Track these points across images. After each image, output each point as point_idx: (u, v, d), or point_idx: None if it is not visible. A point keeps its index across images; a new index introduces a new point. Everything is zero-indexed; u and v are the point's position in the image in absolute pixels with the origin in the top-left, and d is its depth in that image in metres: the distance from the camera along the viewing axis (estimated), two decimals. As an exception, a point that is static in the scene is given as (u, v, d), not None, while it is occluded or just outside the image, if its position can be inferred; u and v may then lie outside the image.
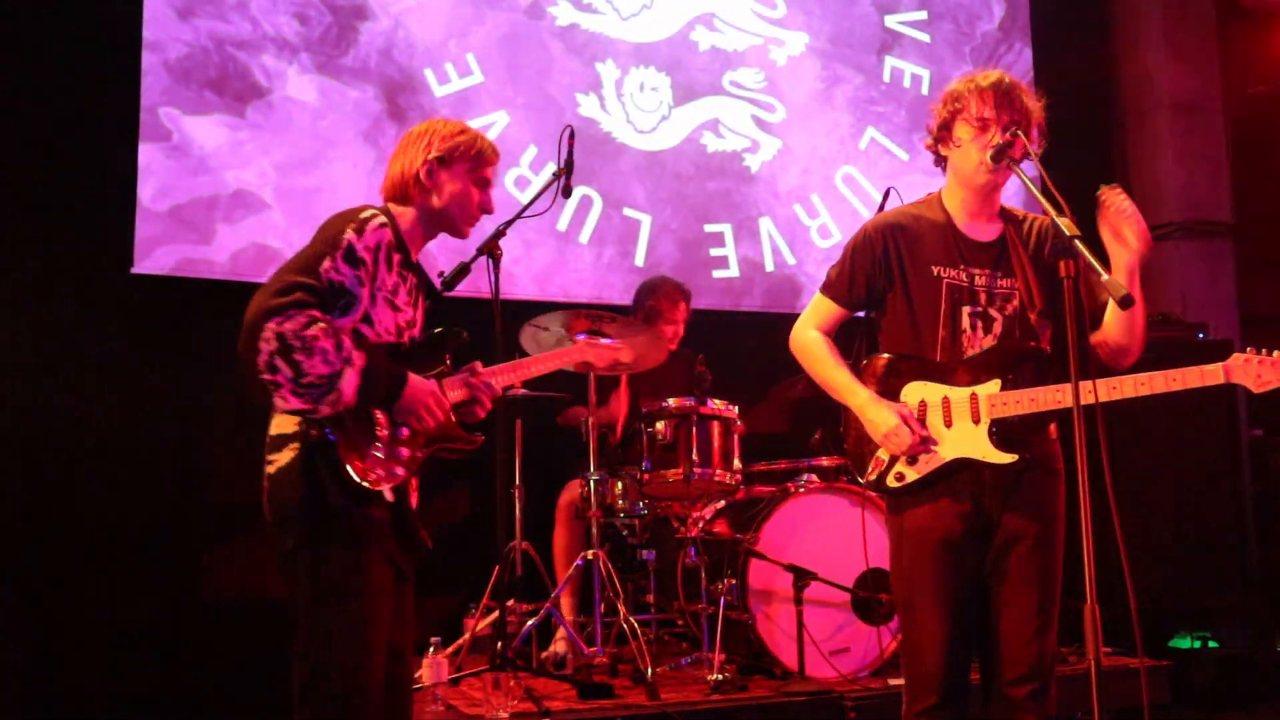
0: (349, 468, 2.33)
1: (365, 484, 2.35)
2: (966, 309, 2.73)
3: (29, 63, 4.74)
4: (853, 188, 6.22)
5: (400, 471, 2.45)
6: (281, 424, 2.37)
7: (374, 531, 2.40)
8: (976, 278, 2.74)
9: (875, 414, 2.71)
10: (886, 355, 2.80)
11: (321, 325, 2.27)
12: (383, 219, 2.47)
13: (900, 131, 6.33)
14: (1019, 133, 2.66)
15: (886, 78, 6.39)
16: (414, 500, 2.56)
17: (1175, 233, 6.51)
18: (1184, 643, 5.02)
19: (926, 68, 6.45)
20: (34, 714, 4.47)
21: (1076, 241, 2.37)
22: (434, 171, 2.57)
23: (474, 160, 2.61)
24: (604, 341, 3.26)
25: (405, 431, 2.47)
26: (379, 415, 2.43)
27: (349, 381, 2.29)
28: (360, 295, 2.38)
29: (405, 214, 2.58)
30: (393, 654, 2.48)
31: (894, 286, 2.79)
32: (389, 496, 2.41)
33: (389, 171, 2.61)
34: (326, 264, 2.34)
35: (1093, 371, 2.42)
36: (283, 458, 2.36)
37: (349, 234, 2.38)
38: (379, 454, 2.40)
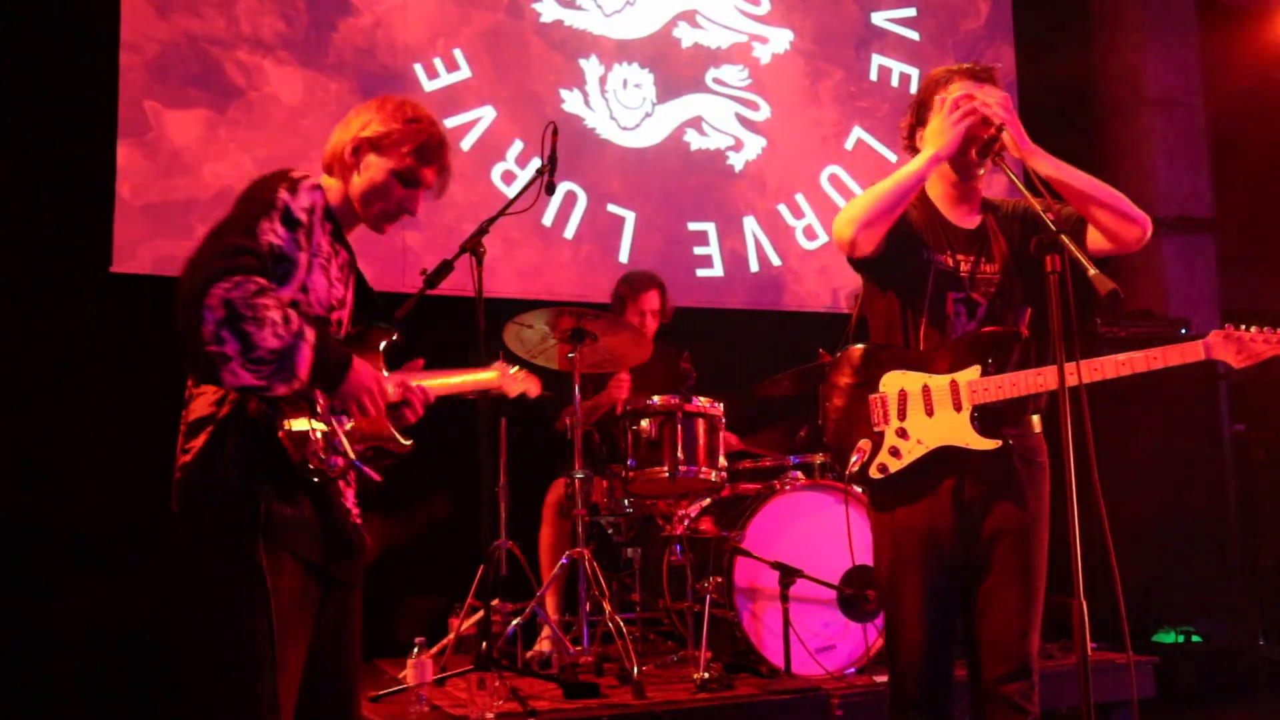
0: (290, 450, 2.09)
1: (310, 468, 2.11)
2: (951, 294, 2.73)
3: (4, 60, 4.69)
4: (838, 187, 6.22)
5: (338, 462, 2.19)
6: (199, 408, 2.12)
7: (293, 532, 2.13)
8: (962, 263, 2.74)
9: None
10: (862, 345, 2.80)
11: (271, 294, 2.03)
12: (315, 181, 2.25)
13: (888, 130, 6.32)
14: (1004, 125, 2.66)
15: (873, 75, 6.39)
16: (349, 499, 2.30)
17: (1157, 228, 6.51)
18: (1168, 637, 5.04)
19: (915, 65, 6.45)
20: (27, 715, 4.44)
21: (1063, 236, 2.38)
22: (361, 151, 2.32)
23: (413, 153, 2.32)
24: (512, 371, 3.05)
25: (345, 420, 2.23)
26: (320, 398, 2.17)
27: (304, 358, 2.05)
28: (298, 260, 2.14)
29: (333, 189, 2.35)
30: (325, 674, 2.21)
31: (895, 263, 2.76)
32: (329, 481, 2.19)
33: (329, 140, 2.38)
34: (264, 225, 2.09)
35: (1076, 354, 2.41)
36: (200, 443, 2.09)
37: (283, 193, 2.14)
38: (319, 438, 2.14)
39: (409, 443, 2.40)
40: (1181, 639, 5.04)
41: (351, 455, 2.21)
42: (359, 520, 2.31)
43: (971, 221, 2.80)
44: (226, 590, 2.07)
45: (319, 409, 2.16)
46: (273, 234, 2.10)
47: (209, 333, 1.96)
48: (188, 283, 1.99)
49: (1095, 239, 2.70)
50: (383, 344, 2.39)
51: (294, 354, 2.03)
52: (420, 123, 2.34)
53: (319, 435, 2.14)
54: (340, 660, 2.26)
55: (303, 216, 2.16)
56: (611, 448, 4.60)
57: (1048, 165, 2.66)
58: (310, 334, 2.07)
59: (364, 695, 2.36)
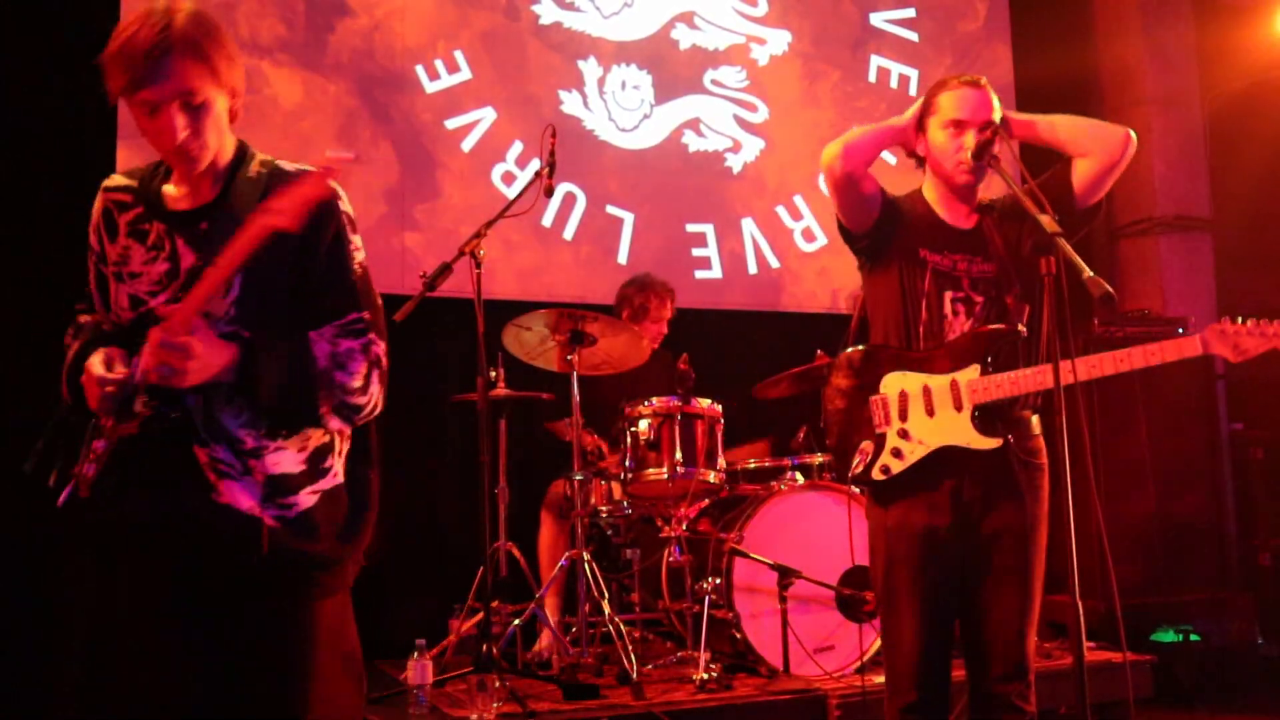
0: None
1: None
2: (949, 294, 2.75)
3: (5, 59, 4.70)
4: (835, 186, 6.22)
5: (90, 470, 1.95)
6: None
7: (122, 539, 1.97)
8: (958, 263, 2.77)
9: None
10: (862, 347, 2.82)
11: (71, 334, 2.09)
12: (108, 183, 2.14)
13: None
14: (999, 131, 2.70)
15: (872, 77, 6.40)
16: (239, 499, 1.95)
17: (1154, 228, 6.55)
18: (1166, 637, 5.05)
19: (913, 66, 6.46)
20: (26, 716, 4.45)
21: (1058, 239, 2.39)
22: (116, 100, 2.01)
23: (121, 80, 1.96)
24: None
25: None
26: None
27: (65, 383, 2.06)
28: (89, 282, 2.13)
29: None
30: (238, 690, 1.94)
31: (889, 256, 2.80)
32: (82, 491, 1.96)
33: None
34: (90, 260, 2.14)
35: (1073, 352, 2.44)
36: None
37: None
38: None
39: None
40: (1180, 638, 5.05)
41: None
42: (263, 519, 1.94)
43: (968, 221, 2.82)
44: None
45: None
46: (90, 268, 2.13)
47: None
48: None
49: (1082, 168, 2.75)
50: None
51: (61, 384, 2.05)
52: (115, 39, 1.98)
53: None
54: (254, 675, 1.96)
55: (91, 239, 2.13)
56: (613, 447, 4.62)
57: (1018, 118, 2.82)
58: (68, 356, 2.06)
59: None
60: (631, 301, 4.98)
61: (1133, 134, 2.75)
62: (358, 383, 2.02)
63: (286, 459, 1.99)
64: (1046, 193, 2.53)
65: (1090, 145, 2.74)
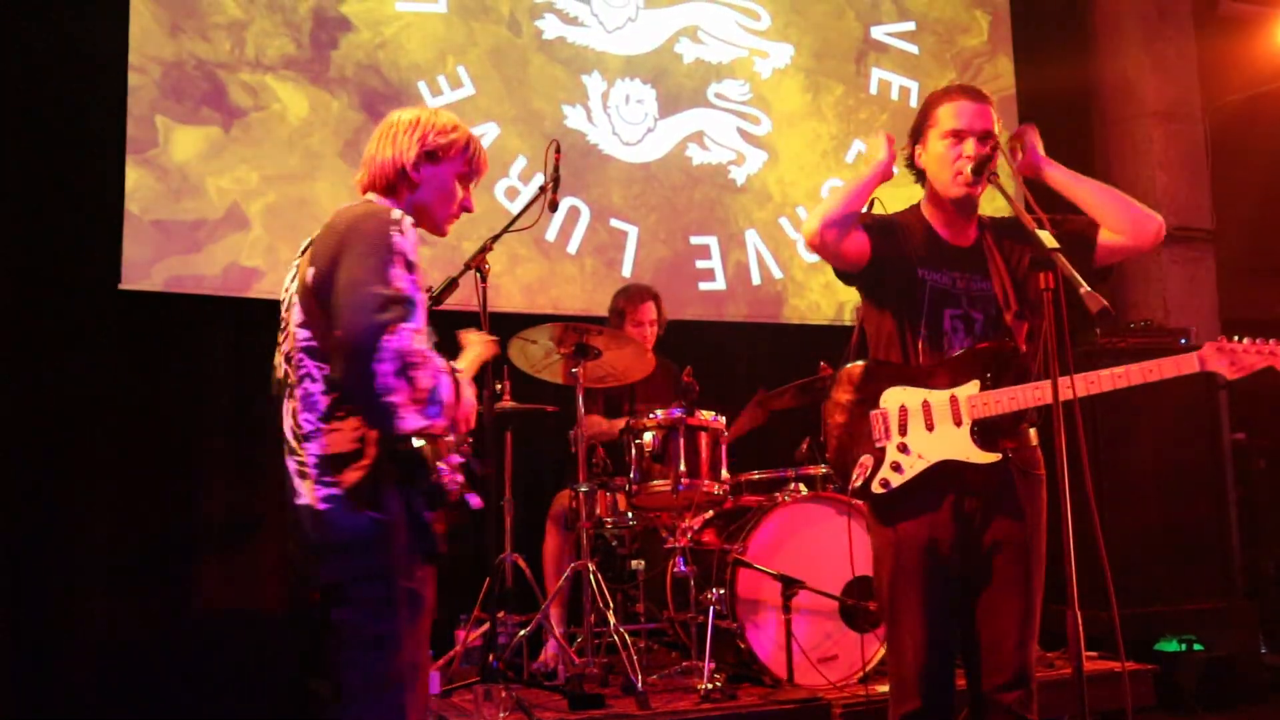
0: (441, 480, 2.28)
1: (450, 493, 2.30)
2: (948, 311, 2.77)
3: (15, 78, 4.75)
4: (838, 198, 6.24)
5: (459, 480, 2.34)
6: (339, 444, 2.25)
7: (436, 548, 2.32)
8: (957, 281, 2.79)
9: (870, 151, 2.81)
10: (862, 362, 2.84)
11: (421, 336, 2.22)
12: (411, 220, 2.35)
13: (887, 143, 6.34)
14: (999, 145, 2.73)
15: (873, 89, 6.44)
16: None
17: (1157, 240, 6.55)
18: (1169, 646, 5.06)
19: (914, 79, 6.50)
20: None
21: (1056, 255, 2.42)
22: (421, 165, 2.47)
23: (464, 159, 2.53)
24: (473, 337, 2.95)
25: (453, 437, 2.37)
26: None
27: (447, 389, 2.23)
28: (418, 301, 2.25)
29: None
30: None
31: (886, 278, 2.83)
32: (475, 503, 2.35)
33: (373, 161, 2.48)
34: (394, 272, 2.21)
35: (1071, 368, 2.47)
36: (349, 477, 2.23)
37: (396, 238, 2.25)
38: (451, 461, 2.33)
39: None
40: (1183, 647, 5.06)
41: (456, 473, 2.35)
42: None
43: (968, 239, 2.84)
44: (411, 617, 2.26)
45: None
46: (400, 279, 2.22)
47: (381, 385, 2.13)
48: (353, 339, 2.15)
49: (1109, 239, 2.76)
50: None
51: (441, 390, 2.21)
52: (459, 130, 2.54)
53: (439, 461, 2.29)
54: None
55: (415, 259, 2.28)
56: (617, 462, 4.64)
57: (1060, 174, 2.80)
58: (445, 365, 2.28)
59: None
60: (611, 308, 5.03)
61: (1163, 225, 2.79)
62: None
63: None
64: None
65: (1123, 225, 2.76)
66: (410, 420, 2.15)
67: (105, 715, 4.53)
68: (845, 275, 2.89)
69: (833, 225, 2.76)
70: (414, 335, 2.17)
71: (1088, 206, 2.78)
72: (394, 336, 2.13)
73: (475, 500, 2.33)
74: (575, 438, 4.39)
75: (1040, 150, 2.81)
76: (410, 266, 2.25)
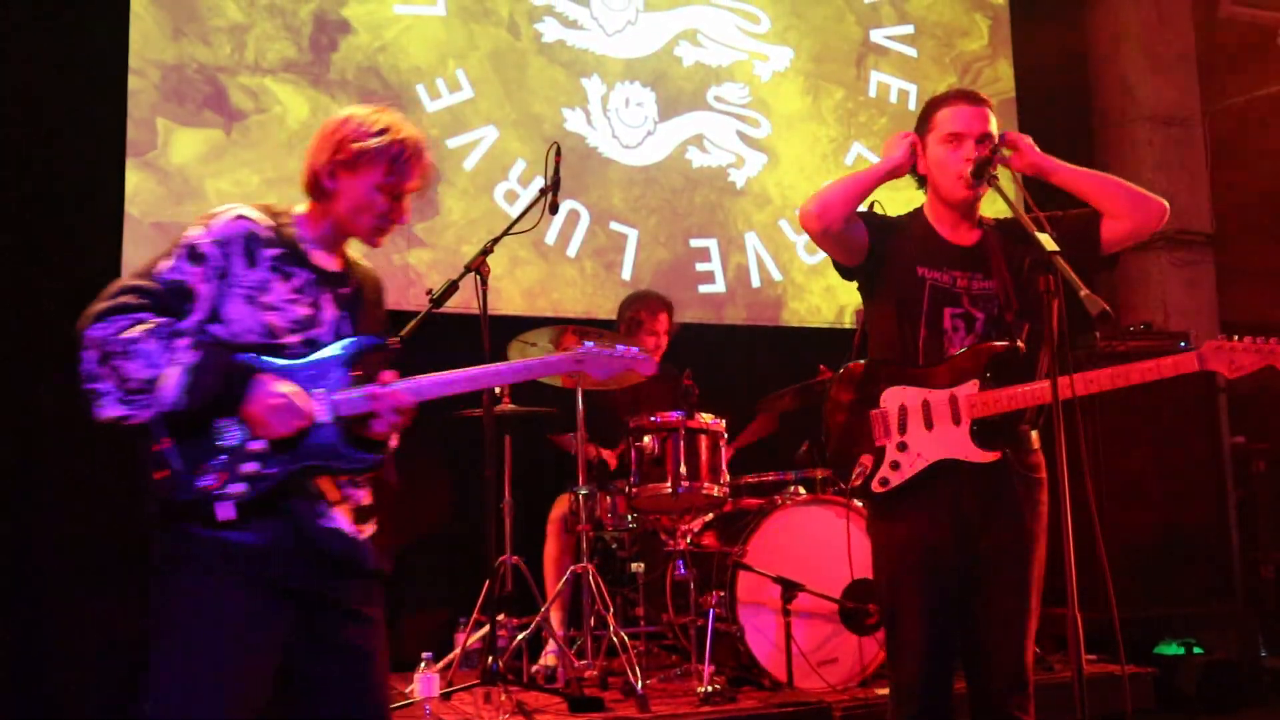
0: (161, 479, 2.17)
1: (190, 499, 2.16)
2: (949, 310, 2.78)
3: (16, 80, 4.75)
4: (837, 201, 6.25)
5: (239, 488, 2.17)
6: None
7: (231, 557, 2.17)
8: (958, 280, 2.79)
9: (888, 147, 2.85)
10: (863, 361, 2.85)
11: (146, 327, 2.14)
12: (240, 213, 2.29)
13: (886, 145, 6.35)
14: (999, 148, 2.74)
15: (872, 92, 6.45)
16: (336, 519, 2.29)
17: (1156, 243, 6.57)
18: (1169, 649, 5.06)
19: (913, 82, 6.50)
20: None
21: (1056, 257, 2.43)
22: (337, 174, 2.33)
23: (386, 167, 2.34)
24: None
25: (257, 444, 2.21)
26: (223, 423, 2.21)
27: (170, 381, 2.12)
28: (201, 293, 2.21)
29: (317, 209, 2.38)
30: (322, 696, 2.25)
31: (884, 277, 2.84)
32: (222, 514, 2.16)
33: (305, 162, 2.39)
34: (163, 264, 2.21)
35: (1070, 368, 2.47)
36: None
37: (193, 230, 2.25)
38: (217, 464, 2.18)
39: (375, 457, 2.31)
40: (1182, 651, 5.06)
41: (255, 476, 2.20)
42: (359, 537, 2.32)
43: (969, 238, 2.85)
44: (172, 624, 2.19)
45: (222, 435, 2.20)
46: (175, 270, 2.21)
47: (84, 372, 2.11)
48: (78, 327, 2.14)
49: (1113, 225, 2.76)
50: (367, 355, 2.34)
51: (159, 381, 2.12)
52: (388, 134, 2.36)
53: (217, 465, 2.18)
54: (345, 681, 2.27)
55: (212, 251, 2.23)
56: (621, 464, 4.65)
57: (1062, 170, 2.79)
58: (189, 358, 2.14)
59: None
60: (624, 316, 5.03)
61: (1167, 206, 2.78)
62: None
63: (365, 495, 2.39)
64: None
65: (1126, 209, 2.76)
66: (109, 408, 2.11)
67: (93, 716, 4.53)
68: (844, 269, 2.91)
69: (829, 210, 2.77)
70: (130, 324, 2.13)
71: (1090, 196, 2.78)
72: (101, 325, 2.12)
73: (221, 510, 2.16)
74: (571, 440, 4.39)
75: (1035, 148, 2.81)
76: (197, 258, 2.22)
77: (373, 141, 2.32)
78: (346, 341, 2.32)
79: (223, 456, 2.18)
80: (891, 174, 2.86)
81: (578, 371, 2.51)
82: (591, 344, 2.49)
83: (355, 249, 2.49)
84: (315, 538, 2.24)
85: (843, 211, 2.78)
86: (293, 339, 2.29)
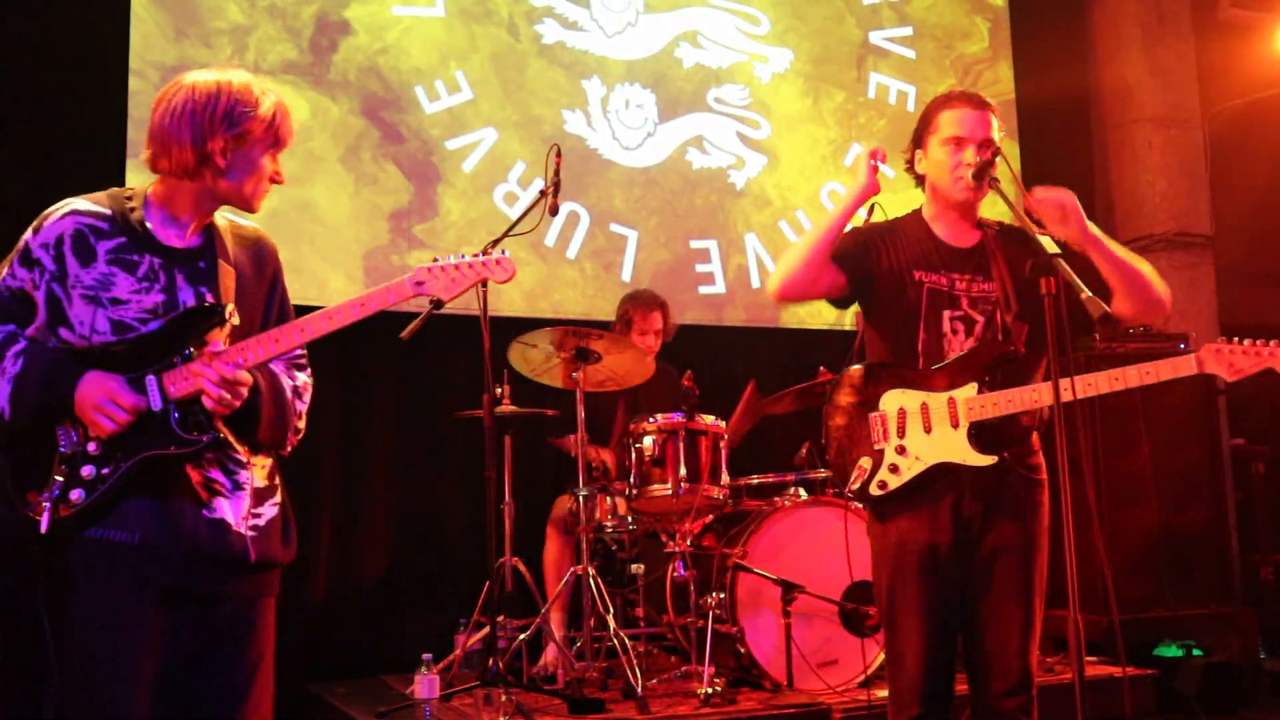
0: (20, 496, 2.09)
1: (17, 516, 2.08)
2: (947, 313, 2.78)
3: (17, 81, 4.75)
4: (837, 203, 6.25)
5: (76, 495, 2.08)
6: None
7: (108, 557, 2.08)
8: (957, 282, 2.79)
9: (850, 185, 2.84)
10: (861, 365, 2.85)
11: None
12: (72, 208, 2.21)
13: (886, 146, 6.33)
14: (999, 151, 2.74)
15: (871, 93, 6.45)
16: (226, 510, 2.18)
17: (1155, 245, 6.57)
18: (1169, 651, 5.06)
19: (912, 83, 6.51)
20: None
21: (1057, 259, 2.43)
22: (229, 149, 2.22)
23: (271, 134, 2.30)
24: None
25: (93, 445, 2.11)
26: (62, 430, 2.12)
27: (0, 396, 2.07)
28: (36, 299, 2.15)
29: (181, 188, 2.25)
30: (195, 693, 2.15)
31: (877, 290, 2.84)
32: (43, 526, 2.06)
33: (163, 136, 2.23)
34: (3, 270, 2.16)
35: (1071, 371, 2.47)
36: None
37: (27, 235, 2.19)
38: (58, 476, 2.09)
39: (192, 437, 2.13)
40: (1183, 653, 5.06)
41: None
42: (248, 530, 2.19)
43: (968, 240, 2.85)
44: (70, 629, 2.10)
45: (62, 442, 2.12)
46: (10, 278, 2.17)
47: None
48: None
49: (1119, 306, 2.69)
50: (190, 327, 2.18)
51: None
52: (265, 104, 2.30)
53: (58, 476, 2.10)
54: (213, 677, 2.17)
55: (42, 255, 2.16)
56: (620, 467, 4.65)
57: (1102, 253, 2.69)
58: (12, 367, 2.10)
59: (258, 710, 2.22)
60: (619, 315, 5.03)
61: (1170, 308, 2.77)
62: (304, 410, 2.34)
63: (259, 476, 2.26)
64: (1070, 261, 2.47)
65: (1141, 308, 2.74)
66: None
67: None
68: (835, 304, 2.94)
69: (793, 286, 2.82)
70: None
71: (1112, 280, 2.70)
72: None
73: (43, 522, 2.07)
74: (571, 442, 4.40)
75: (1085, 220, 2.68)
76: (30, 263, 2.16)
77: (260, 111, 2.27)
78: (172, 316, 2.18)
79: (63, 465, 2.10)
80: (858, 203, 2.82)
81: (421, 294, 2.28)
82: (437, 260, 2.31)
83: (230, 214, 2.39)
84: (191, 532, 2.12)
85: (807, 276, 2.80)
86: (152, 329, 2.18)
